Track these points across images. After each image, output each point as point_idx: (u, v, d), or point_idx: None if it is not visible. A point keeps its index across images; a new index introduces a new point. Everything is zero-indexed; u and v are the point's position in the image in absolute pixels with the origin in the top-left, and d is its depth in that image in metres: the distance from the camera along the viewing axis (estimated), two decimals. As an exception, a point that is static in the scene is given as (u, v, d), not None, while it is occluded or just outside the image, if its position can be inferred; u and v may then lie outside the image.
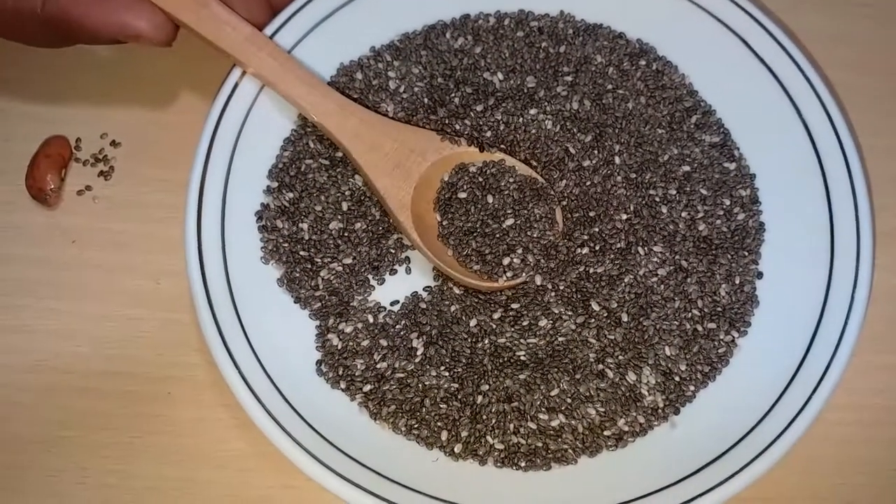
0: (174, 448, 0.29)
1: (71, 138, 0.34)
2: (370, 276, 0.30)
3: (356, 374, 0.28)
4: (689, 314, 0.29)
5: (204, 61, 0.31)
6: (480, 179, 0.30)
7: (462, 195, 0.30)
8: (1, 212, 0.33)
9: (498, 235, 0.29)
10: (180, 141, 0.32)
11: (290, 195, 0.30)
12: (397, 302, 0.30)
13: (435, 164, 0.30)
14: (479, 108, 0.32)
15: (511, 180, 0.30)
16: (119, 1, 0.27)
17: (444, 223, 0.30)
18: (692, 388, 0.28)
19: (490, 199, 0.30)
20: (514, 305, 0.29)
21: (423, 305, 0.30)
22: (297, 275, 0.29)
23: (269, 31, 0.31)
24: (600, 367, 0.28)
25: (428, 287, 0.30)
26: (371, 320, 0.29)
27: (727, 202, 0.31)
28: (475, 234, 0.30)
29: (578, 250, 0.30)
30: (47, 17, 0.27)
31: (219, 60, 0.30)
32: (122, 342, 0.31)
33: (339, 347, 0.29)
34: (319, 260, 0.30)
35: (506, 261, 0.29)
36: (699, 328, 0.29)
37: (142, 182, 0.33)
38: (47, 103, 0.35)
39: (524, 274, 0.29)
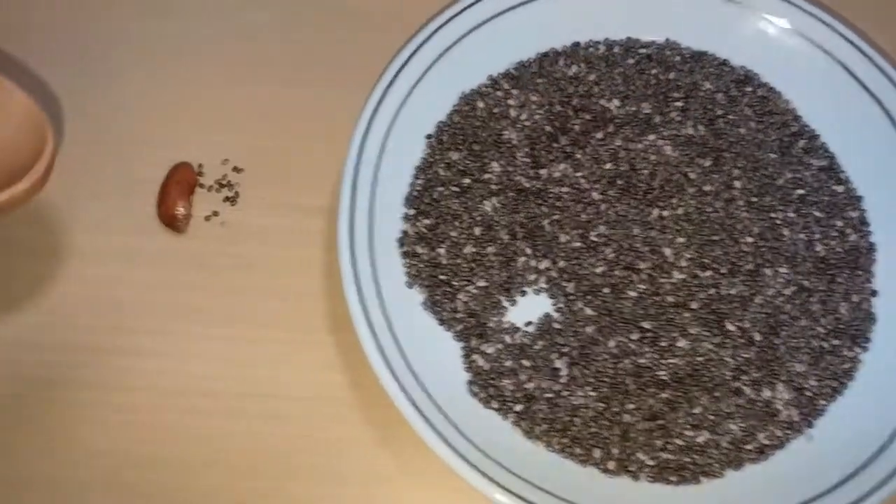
0: (325, 467, 0.30)
1: (193, 164, 0.35)
2: (502, 298, 0.31)
3: (506, 393, 0.29)
4: (815, 332, 0.31)
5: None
6: None
7: None
8: (133, 237, 0.33)
9: None
10: (304, 167, 0.33)
11: (427, 221, 0.32)
12: (531, 323, 0.31)
13: None
14: (599, 135, 0.33)
15: None
16: None
17: None
18: (823, 402, 0.30)
19: None
20: (646, 325, 0.30)
21: (558, 326, 0.31)
22: (438, 297, 0.31)
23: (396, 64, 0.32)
24: (737, 384, 0.30)
25: (559, 307, 0.31)
26: (509, 341, 0.30)
27: (839, 223, 0.33)
28: None
29: (704, 273, 0.31)
30: None
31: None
32: (259, 364, 0.31)
33: (487, 368, 0.30)
34: (457, 283, 0.31)
35: None
36: (825, 345, 0.31)
37: (268, 207, 0.34)
38: (166, 130, 0.35)
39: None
